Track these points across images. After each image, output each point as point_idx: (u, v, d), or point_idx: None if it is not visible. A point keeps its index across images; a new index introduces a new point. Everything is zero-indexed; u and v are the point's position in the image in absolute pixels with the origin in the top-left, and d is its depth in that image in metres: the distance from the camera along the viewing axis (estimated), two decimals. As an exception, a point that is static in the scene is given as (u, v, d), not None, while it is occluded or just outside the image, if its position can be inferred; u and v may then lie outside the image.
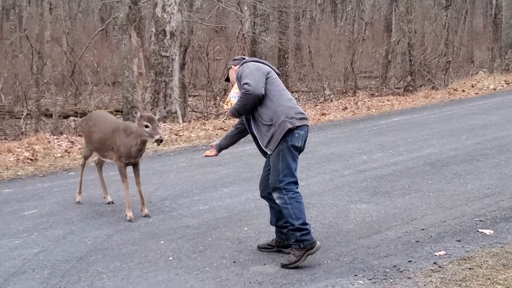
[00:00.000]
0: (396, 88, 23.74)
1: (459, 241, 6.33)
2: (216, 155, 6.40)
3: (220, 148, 6.33)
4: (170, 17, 15.55)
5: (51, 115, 18.63)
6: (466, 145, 11.11)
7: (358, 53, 24.68)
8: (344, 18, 29.48)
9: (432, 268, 5.58)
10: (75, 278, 5.55)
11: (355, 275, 5.48)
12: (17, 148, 11.68)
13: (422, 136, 12.21)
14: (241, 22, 23.05)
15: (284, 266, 5.74)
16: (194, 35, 21.62)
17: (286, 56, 25.10)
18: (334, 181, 8.92)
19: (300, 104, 20.29)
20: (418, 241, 6.34)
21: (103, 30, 26.02)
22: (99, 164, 8.15)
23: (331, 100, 20.73)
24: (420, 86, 23.34)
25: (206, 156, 6.42)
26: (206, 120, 16.72)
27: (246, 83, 5.63)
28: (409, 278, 5.38)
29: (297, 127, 5.66)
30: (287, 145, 5.65)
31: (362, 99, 19.66)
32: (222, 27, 24.21)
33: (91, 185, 8.81)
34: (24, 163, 10.64)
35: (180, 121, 15.76)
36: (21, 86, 19.28)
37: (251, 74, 5.68)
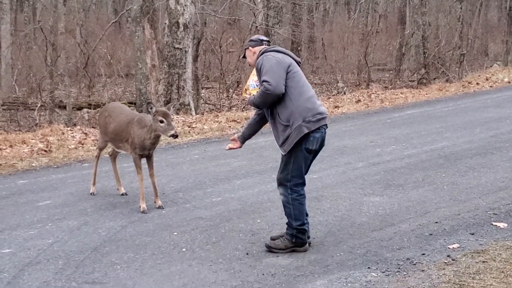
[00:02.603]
0: (410, 81, 23.66)
1: (473, 234, 6.31)
2: (240, 147, 6.30)
3: (244, 139, 6.25)
4: (184, 9, 15.54)
5: (65, 107, 18.69)
6: (480, 138, 11.07)
7: (371, 46, 24.61)
8: (358, 10, 29.39)
9: (445, 261, 5.57)
10: (89, 268, 5.58)
11: (368, 268, 5.48)
12: (32, 139, 11.73)
13: (436, 129, 12.17)
14: (254, 14, 23.00)
15: (268, 247, 5.93)
16: (207, 27, 21.62)
17: (299, 48, 25.07)
18: (347, 173, 8.90)
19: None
20: (431, 234, 6.33)
21: (117, 22, 26.01)
22: (113, 156, 8.18)
23: (344, 93, 20.69)
24: (434, 79, 23.25)
25: (230, 148, 6.31)
26: (219, 112, 16.74)
27: (266, 81, 5.56)
28: (422, 271, 5.37)
29: (313, 130, 5.64)
30: (301, 148, 5.68)
31: (376, 91, 19.60)
32: (235, 19, 24.20)
33: (104, 177, 8.84)
34: (38, 154, 10.69)
35: (193, 113, 15.77)
36: (35, 78, 19.35)
37: (272, 71, 5.59)
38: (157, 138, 7.20)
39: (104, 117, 7.99)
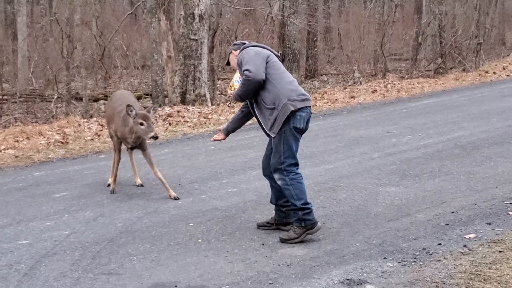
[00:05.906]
0: (427, 71, 23.54)
1: (490, 224, 6.28)
2: (224, 139, 6.54)
3: (228, 132, 6.48)
4: (199, 0, 15.53)
5: (81, 99, 18.79)
6: (497, 127, 11.00)
7: (388, 35, 24.50)
8: (374, 0, 29.24)
9: (462, 251, 5.54)
10: (105, 259, 5.61)
11: (384, 258, 5.47)
12: (48, 131, 11.79)
13: (453, 118, 12.11)
14: (270, 4, 22.93)
15: (283, 241, 5.92)
16: (223, 18, 21.60)
17: (315, 38, 25.01)
18: (363, 164, 8.88)
19: (329, 87, 20.24)
20: (448, 224, 6.30)
21: (132, 13, 26.03)
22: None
23: (361, 83, 20.62)
24: (451, 68, 23.13)
25: (214, 140, 6.58)
26: (235, 103, 16.72)
27: (246, 69, 5.74)
28: (438, 261, 5.35)
29: (299, 109, 5.75)
30: (289, 127, 5.76)
31: (392, 81, 19.53)
32: (251, 10, 24.13)
33: (121, 168, 8.80)
34: (55, 146, 10.74)
35: (209, 104, 15.78)
36: (52, 70, 19.44)
37: (251, 60, 5.78)
38: (138, 138, 7.41)
39: (109, 102, 8.34)
